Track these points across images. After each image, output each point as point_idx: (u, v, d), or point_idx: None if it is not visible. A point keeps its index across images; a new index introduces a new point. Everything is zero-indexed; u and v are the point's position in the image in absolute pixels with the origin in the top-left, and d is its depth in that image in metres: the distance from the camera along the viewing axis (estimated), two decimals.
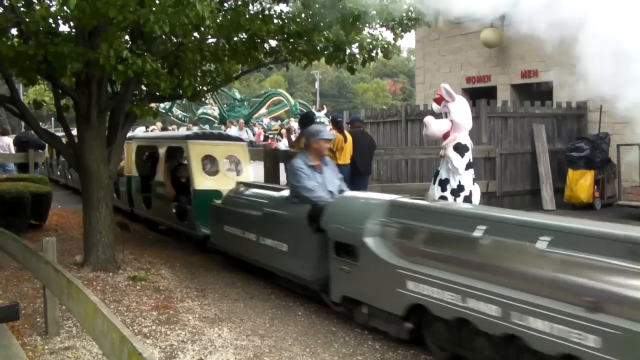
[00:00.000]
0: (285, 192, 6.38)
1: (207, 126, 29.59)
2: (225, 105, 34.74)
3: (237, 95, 36.53)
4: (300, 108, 33.84)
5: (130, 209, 10.82)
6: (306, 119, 9.41)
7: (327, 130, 6.55)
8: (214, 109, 33.89)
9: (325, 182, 6.06)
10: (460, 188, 7.52)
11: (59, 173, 17.03)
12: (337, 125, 9.54)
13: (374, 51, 7.28)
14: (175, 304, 5.91)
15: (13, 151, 15.05)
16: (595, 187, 11.95)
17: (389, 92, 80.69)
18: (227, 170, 9.23)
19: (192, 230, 8.34)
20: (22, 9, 6.22)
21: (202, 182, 8.44)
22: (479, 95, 14.23)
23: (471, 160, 7.70)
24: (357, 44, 7.19)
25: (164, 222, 9.63)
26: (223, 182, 8.38)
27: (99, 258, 6.97)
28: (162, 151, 9.59)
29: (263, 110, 35.39)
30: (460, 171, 7.50)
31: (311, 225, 5.62)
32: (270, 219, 6.31)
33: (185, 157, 9.03)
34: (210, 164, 8.92)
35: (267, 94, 37.50)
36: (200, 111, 33.84)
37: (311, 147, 6.15)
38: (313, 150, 6.16)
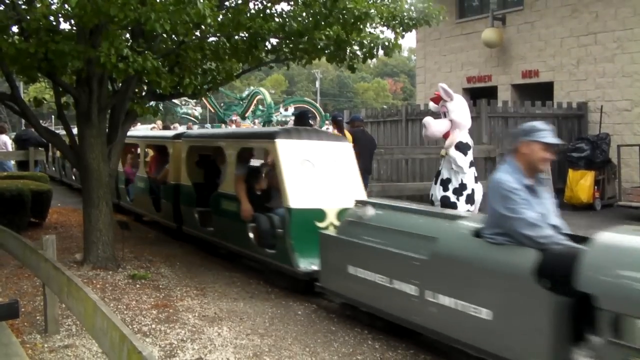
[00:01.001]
0: (470, 222, 4.51)
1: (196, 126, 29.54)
2: (222, 104, 34.67)
3: (238, 95, 36.55)
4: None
5: (176, 226, 8.86)
6: (301, 118, 9.42)
7: (549, 130, 4.13)
8: (194, 109, 33.73)
9: (547, 212, 4.09)
10: (463, 187, 7.53)
11: (54, 169, 17.13)
12: (337, 124, 9.54)
13: (375, 49, 7.27)
14: (174, 302, 5.91)
15: (10, 149, 15.04)
16: (596, 187, 11.96)
17: (390, 92, 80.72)
18: (330, 180, 6.51)
19: (284, 263, 6.18)
20: (23, 6, 6.22)
21: (300, 197, 6.17)
22: (480, 95, 14.24)
23: (472, 159, 7.71)
24: (358, 42, 7.17)
25: (233, 247, 7.34)
26: (329, 198, 6.28)
27: (98, 256, 6.97)
28: (230, 153, 7.53)
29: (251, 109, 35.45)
30: (465, 170, 7.51)
31: (542, 282, 3.67)
32: (449, 264, 4.30)
33: (270, 161, 7.27)
34: (308, 171, 6.49)
35: (251, 93, 37.46)
36: (182, 110, 33.76)
37: (520, 153, 4.11)
38: (524, 159, 4.09)
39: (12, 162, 14.81)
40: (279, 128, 8.75)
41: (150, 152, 10.78)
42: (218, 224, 7.73)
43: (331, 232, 5.72)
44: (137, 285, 6.43)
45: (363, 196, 6.38)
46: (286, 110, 33.93)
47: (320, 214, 6.11)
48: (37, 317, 5.30)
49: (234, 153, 7.43)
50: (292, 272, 6.10)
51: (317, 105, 37.97)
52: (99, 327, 3.14)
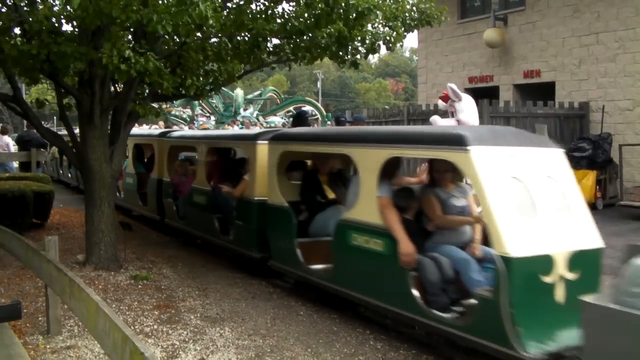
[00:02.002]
0: None
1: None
2: (222, 105, 34.48)
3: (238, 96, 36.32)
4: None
5: (261, 257, 6.73)
6: (299, 118, 9.41)
7: None
8: (183, 112, 33.48)
9: None
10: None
11: (52, 169, 17.40)
12: (340, 124, 9.53)
13: (377, 43, 7.26)
14: (177, 303, 5.91)
15: (12, 150, 15.07)
16: (598, 187, 11.94)
17: (391, 92, 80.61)
18: (550, 207, 4.35)
19: (497, 342, 3.99)
20: (25, 8, 6.23)
21: (520, 238, 4.03)
22: (482, 95, 14.22)
23: None
24: (359, 38, 7.17)
25: (386, 307, 4.96)
26: (556, 237, 4.17)
27: (100, 257, 6.98)
28: (365, 164, 5.24)
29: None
30: None
31: None
32: None
33: (467, 182, 5.19)
34: (519, 195, 4.29)
35: (265, 92, 37.24)
36: (172, 112, 33.53)
37: None
38: None
39: (15, 163, 14.85)
40: (460, 128, 5.88)
41: (213, 157, 8.67)
42: (349, 266, 5.36)
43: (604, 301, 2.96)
44: (139, 286, 6.43)
45: (594, 228, 4.39)
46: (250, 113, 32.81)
47: (546, 264, 4.01)
48: (40, 318, 5.31)
49: (374, 165, 5.06)
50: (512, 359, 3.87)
51: (319, 105, 37.70)
52: (101, 328, 3.14)
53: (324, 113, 34.19)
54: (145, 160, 11.45)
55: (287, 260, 6.20)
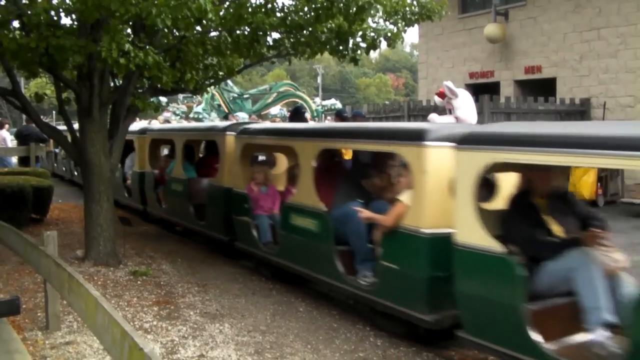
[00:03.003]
0: None
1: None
2: (231, 97, 34.25)
3: (236, 90, 36.08)
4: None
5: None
6: (296, 113, 9.41)
7: None
8: (177, 108, 33.17)
9: None
10: None
11: (47, 162, 17.57)
12: (342, 119, 9.50)
13: (378, 40, 7.23)
14: (176, 299, 5.89)
15: (10, 145, 15.05)
16: (599, 184, 11.93)
17: (392, 87, 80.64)
18: None
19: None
20: (24, 1, 6.19)
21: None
22: (482, 90, 14.19)
23: None
24: (360, 34, 7.13)
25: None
26: None
27: (100, 252, 6.95)
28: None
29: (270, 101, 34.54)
30: None
31: None
32: None
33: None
34: None
35: (278, 86, 36.41)
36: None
37: None
38: None
39: (14, 158, 14.83)
40: None
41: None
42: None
43: None
44: (139, 282, 6.41)
45: None
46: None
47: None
48: (39, 314, 5.29)
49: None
50: None
51: (304, 96, 37.15)
52: (101, 324, 3.12)
53: (313, 107, 33.73)
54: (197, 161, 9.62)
55: (477, 332, 4.11)
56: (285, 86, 36.21)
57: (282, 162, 8.25)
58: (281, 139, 6.97)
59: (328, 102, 30.81)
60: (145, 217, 10.44)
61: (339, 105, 30.26)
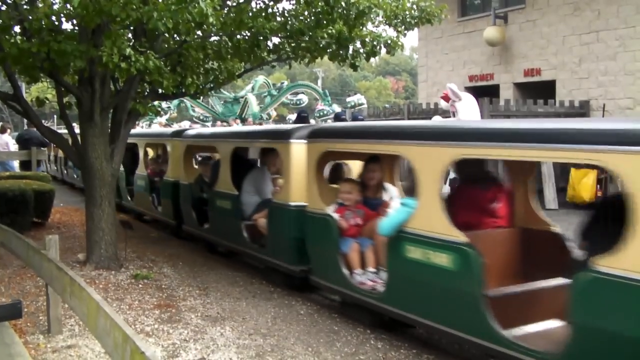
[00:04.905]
0: None
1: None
2: (222, 102, 33.94)
3: (232, 95, 35.69)
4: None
5: None
6: (301, 117, 9.43)
7: None
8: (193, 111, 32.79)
9: None
10: None
11: (56, 169, 17.58)
12: (339, 122, 9.53)
13: (377, 47, 7.26)
14: (177, 302, 5.90)
15: (12, 149, 15.09)
16: (598, 186, 11.93)
17: (392, 90, 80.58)
18: None
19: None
20: (25, 6, 6.22)
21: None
22: (482, 93, 14.21)
23: None
24: (360, 40, 7.17)
25: None
26: None
27: (101, 256, 6.97)
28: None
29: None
30: None
31: None
32: None
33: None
34: None
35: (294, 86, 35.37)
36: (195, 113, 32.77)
37: None
38: None
39: (16, 162, 14.87)
40: None
41: None
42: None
43: None
44: (140, 285, 6.43)
45: None
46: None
47: None
48: (40, 317, 5.30)
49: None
50: None
51: (318, 88, 36.58)
52: (102, 327, 3.14)
53: (324, 97, 32.62)
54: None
55: None
56: (261, 82, 34.87)
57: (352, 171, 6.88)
58: (387, 142, 5.05)
59: (354, 98, 29.19)
60: (178, 232, 9.13)
61: (363, 100, 29.46)
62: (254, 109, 29.79)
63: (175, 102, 26.74)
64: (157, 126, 22.97)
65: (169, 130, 11.80)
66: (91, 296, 3.40)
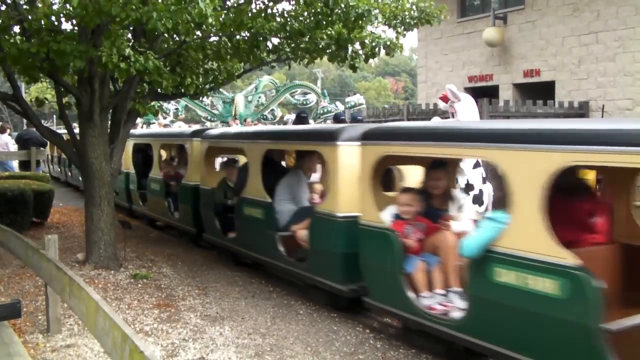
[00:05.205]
0: None
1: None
2: (222, 102, 33.82)
3: (225, 94, 35.51)
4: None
5: None
6: (300, 118, 9.44)
7: None
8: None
9: None
10: (469, 187, 7.49)
11: (59, 169, 17.41)
12: (339, 123, 9.55)
13: (377, 48, 7.27)
14: (176, 302, 5.91)
15: (11, 149, 15.10)
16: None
17: (391, 91, 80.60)
18: None
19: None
20: (24, 6, 6.23)
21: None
22: (481, 94, 14.21)
23: (478, 160, 7.68)
24: (359, 42, 7.18)
25: None
26: None
27: (100, 256, 6.98)
28: None
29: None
30: (467, 171, 7.49)
31: None
32: None
33: None
34: None
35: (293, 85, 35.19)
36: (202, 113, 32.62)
37: None
38: None
39: (15, 162, 14.88)
40: None
41: None
42: None
43: None
44: (139, 285, 6.43)
45: None
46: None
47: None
48: (39, 317, 5.31)
49: None
50: None
51: (316, 88, 36.46)
52: (101, 327, 3.14)
53: (322, 96, 32.38)
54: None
55: None
56: (267, 82, 34.67)
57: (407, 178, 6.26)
58: (468, 146, 4.31)
59: (354, 99, 28.67)
60: (197, 240, 8.54)
61: (362, 101, 29.24)
62: (240, 110, 29.67)
63: (183, 102, 26.65)
64: (157, 126, 22.91)
65: (188, 130, 10.88)
66: (90, 296, 3.41)
